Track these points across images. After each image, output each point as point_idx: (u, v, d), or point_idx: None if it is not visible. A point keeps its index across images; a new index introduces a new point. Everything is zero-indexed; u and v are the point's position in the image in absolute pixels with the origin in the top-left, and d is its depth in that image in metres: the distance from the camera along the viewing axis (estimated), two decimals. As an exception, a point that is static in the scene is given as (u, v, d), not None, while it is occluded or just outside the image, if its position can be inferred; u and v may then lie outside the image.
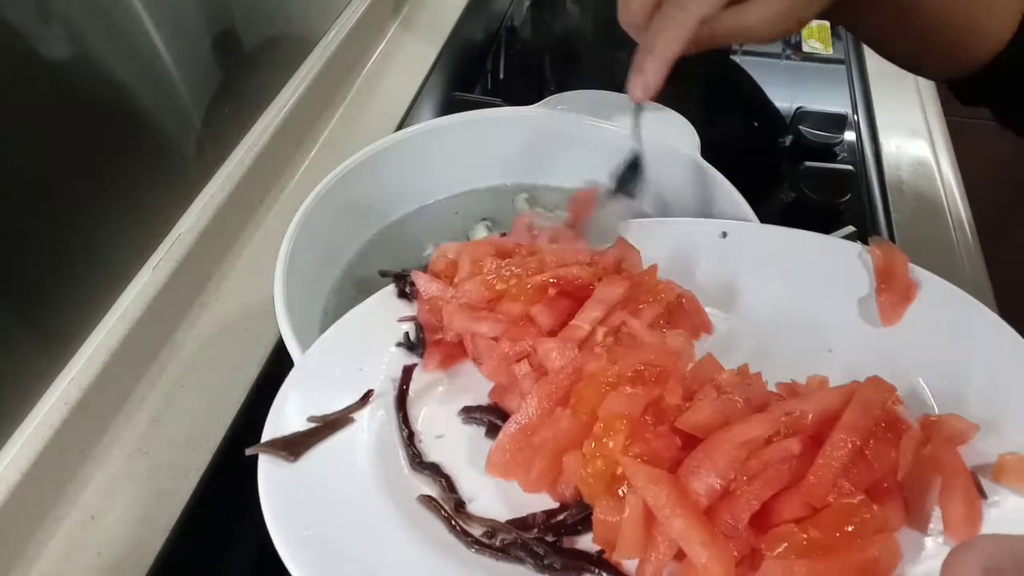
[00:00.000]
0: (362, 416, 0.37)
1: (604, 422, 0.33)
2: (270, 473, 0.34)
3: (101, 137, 0.53)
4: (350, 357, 0.40)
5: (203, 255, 0.60)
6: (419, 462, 0.36)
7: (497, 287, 0.39)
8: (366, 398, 0.38)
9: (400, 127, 0.75)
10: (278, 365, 0.53)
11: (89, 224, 0.52)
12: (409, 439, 0.37)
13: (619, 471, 0.32)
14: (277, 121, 0.68)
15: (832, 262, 0.44)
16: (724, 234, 0.45)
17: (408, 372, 0.39)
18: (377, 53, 0.86)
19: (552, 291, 0.39)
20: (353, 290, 0.51)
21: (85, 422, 0.50)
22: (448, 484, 0.35)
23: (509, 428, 0.35)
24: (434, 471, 0.36)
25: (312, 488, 0.34)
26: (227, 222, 0.63)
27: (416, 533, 0.33)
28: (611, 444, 0.32)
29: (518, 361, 0.37)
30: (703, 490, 0.30)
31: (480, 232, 0.54)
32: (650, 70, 0.42)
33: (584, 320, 0.38)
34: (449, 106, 0.78)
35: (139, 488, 0.50)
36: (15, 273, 0.47)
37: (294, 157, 0.72)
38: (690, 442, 0.33)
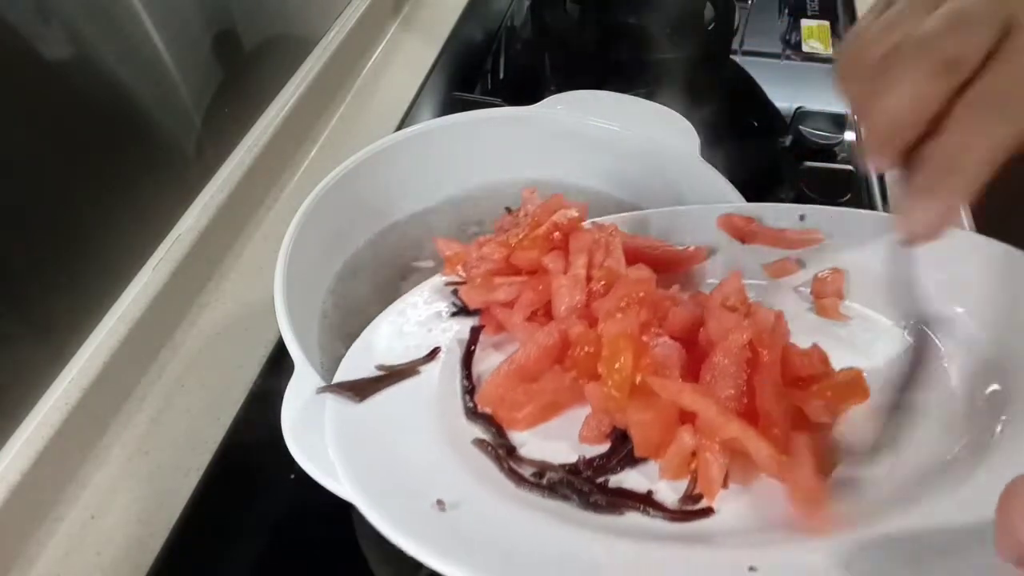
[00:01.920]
0: (426, 369, 0.40)
1: (609, 345, 0.36)
2: (337, 411, 0.37)
3: (101, 137, 0.53)
4: (418, 320, 0.43)
5: (203, 255, 0.60)
6: (474, 412, 0.39)
7: (511, 241, 0.43)
8: (433, 354, 0.41)
9: (400, 127, 0.75)
10: (278, 365, 0.53)
11: (89, 224, 0.52)
12: (469, 392, 0.40)
13: (637, 380, 0.35)
14: (277, 121, 0.68)
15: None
16: (802, 217, 0.45)
17: (476, 333, 0.42)
18: (377, 53, 0.86)
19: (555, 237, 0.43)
20: (353, 290, 0.51)
21: (85, 422, 0.50)
22: (500, 432, 0.38)
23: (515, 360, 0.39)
24: (487, 420, 0.39)
25: (374, 424, 0.37)
26: (227, 222, 0.63)
27: (469, 469, 0.36)
28: (624, 359, 0.35)
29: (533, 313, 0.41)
30: (728, 394, 0.34)
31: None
32: (940, 209, 0.29)
33: (578, 266, 0.41)
34: (449, 106, 0.78)
35: (139, 488, 0.50)
36: (15, 273, 0.47)
37: (294, 157, 0.72)
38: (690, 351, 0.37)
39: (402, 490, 0.34)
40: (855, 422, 0.37)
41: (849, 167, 0.71)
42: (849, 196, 0.68)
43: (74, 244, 0.51)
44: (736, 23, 0.86)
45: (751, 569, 0.30)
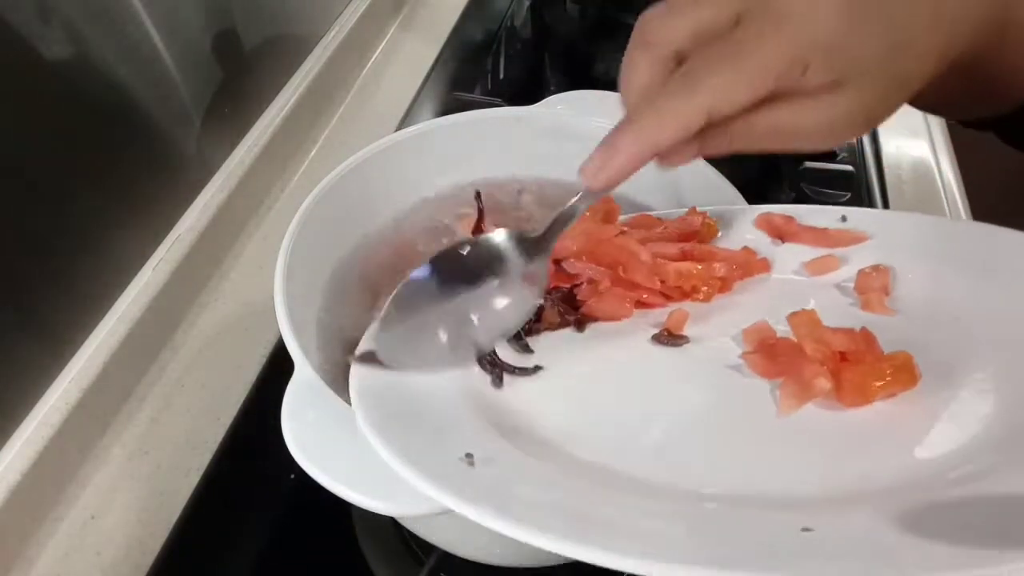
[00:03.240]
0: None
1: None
2: (363, 378, 0.37)
3: (101, 137, 0.53)
4: None
5: (203, 255, 0.60)
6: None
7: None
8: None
9: (400, 127, 0.75)
10: (278, 365, 0.53)
11: (89, 224, 0.52)
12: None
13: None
14: (277, 121, 0.68)
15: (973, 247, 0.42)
16: (844, 218, 0.44)
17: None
18: (377, 53, 0.86)
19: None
20: (351, 289, 0.51)
21: (85, 422, 0.50)
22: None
23: None
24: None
25: (399, 386, 0.37)
26: (227, 222, 0.63)
27: (496, 427, 0.36)
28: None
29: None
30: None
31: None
32: (618, 155, 0.32)
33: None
34: (449, 106, 0.78)
35: (139, 488, 0.50)
36: (15, 273, 0.47)
37: (294, 157, 0.72)
38: None
39: (429, 445, 0.34)
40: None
41: (849, 167, 0.71)
42: (849, 196, 0.68)
43: (74, 244, 0.51)
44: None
45: (804, 529, 0.29)
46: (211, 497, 0.49)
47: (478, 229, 0.49)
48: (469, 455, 0.33)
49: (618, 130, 0.33)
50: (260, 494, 0.50)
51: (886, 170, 0.73)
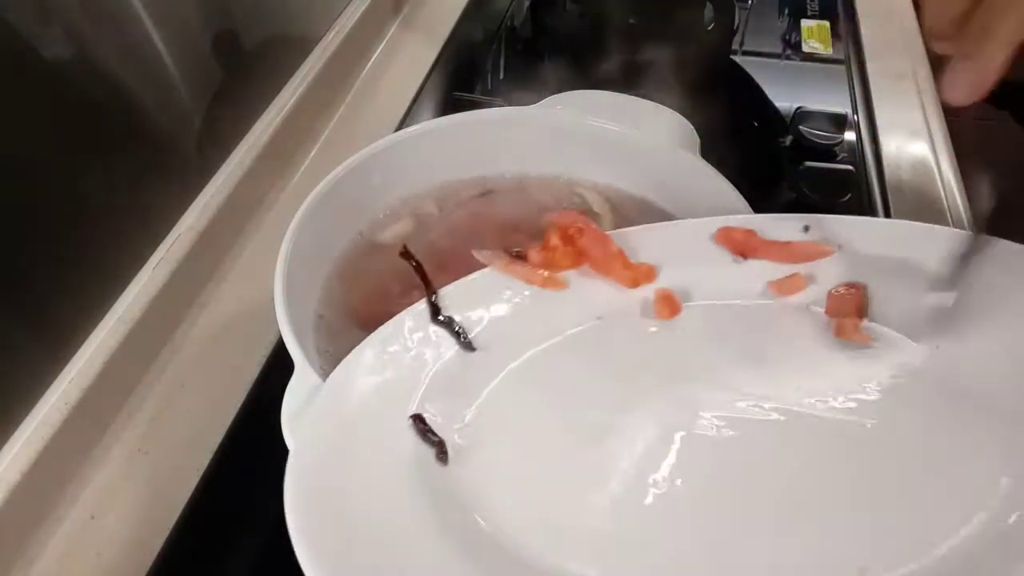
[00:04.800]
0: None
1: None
2: (299, 471, 0.36)
3: (101, 137, 0.53)
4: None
5: (203, 255, 0.60)
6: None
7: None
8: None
9: (400, 127, 0.75)
10: (278, 365, 0.53)
11: (89, 224, 0.52)
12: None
13: None
14: (277, 121, 0.68)
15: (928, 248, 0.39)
16: (806, 228, 0.42)
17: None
18: (377, 53, 0.86)
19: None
20: (351, 289, 0.51)
21: (85, 422, 0.50)
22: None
23: None
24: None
25: (340, 490, 0.35)
26: (227, 222, 0.63)
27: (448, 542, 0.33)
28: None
29: None
30: None
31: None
32: (983, 67, 0.34)
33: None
34: (449, 106, 0.78)
35: (139, 488, 0.50)
36: (15, 273, 0.47)
37: (294, 157, 0.72)
38: None
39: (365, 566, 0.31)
40: None
41: (849, 167, 0.71)
42: (849, 196, 0.68)
43: (74, 244, 0.51)
44: (736, 23, 0.86)
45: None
46: (211, 497, 0.49)
47: (424, 283, 0.46)
48: None
49: (974, 43, 0.35)
50: (260, 494, 0.50)
51: (886, 170, 0.73)
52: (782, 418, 0.37)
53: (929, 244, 0.39)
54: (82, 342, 0.51)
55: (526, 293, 0.42)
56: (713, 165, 0.52)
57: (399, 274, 0.50)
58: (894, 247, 0.40)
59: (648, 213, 0.54)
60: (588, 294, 0.42)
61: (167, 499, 0.49)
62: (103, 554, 0.47)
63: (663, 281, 0.42)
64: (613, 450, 0.36)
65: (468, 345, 0.40)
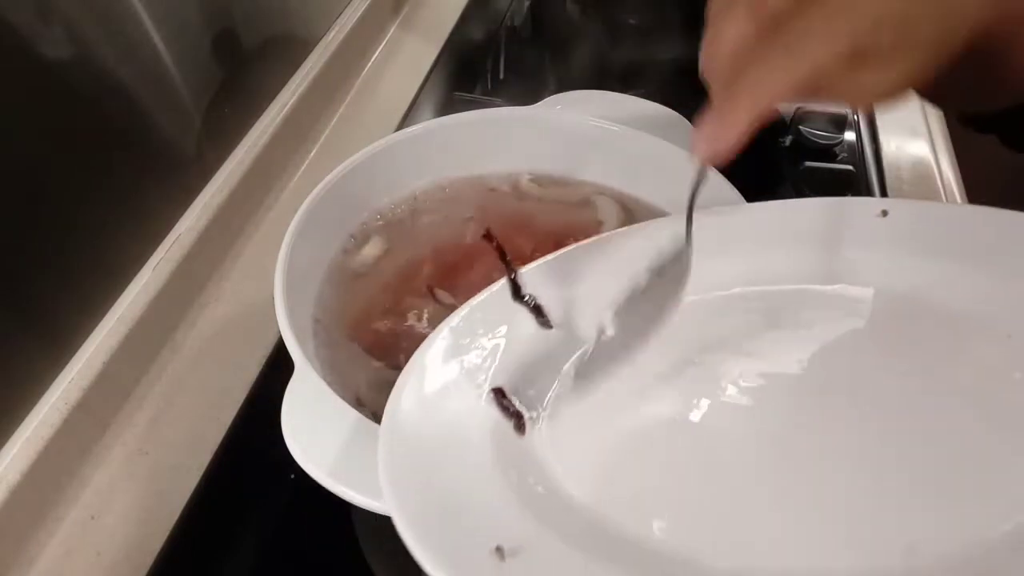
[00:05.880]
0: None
1: None
2: (391, 435, 0.35)
3: (101, 137, 0.53)
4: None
5: (203, 255, 0.60)
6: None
7: None
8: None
9: (400, 127, 0.75)
10: (278, 365, 0.53)
11: (89, 224, 0.52)
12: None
13: None
14: (277, 121, 0.68)
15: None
16: (884, 212, 0.42)
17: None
18: (377, 53, 0.86)
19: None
20: (351, 289, 0.51)
21: (85, 422, 0.50)
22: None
23: None
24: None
25: (430, 454, 0.36)
26: (227, 222, 0.63)
27: (531, 511, 0.34)
28: None
29: None
30: None
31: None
32: (727, 126, 0.33)
33: None
34: (449, 106, 0.78)
35: (139, 488, 0.50)
36: (15, 273, 0.47)
37: (294, 157, 0.72)
38: None
39: (461, 536, 0.32)
40: None
41: (849, 167, 0.71)
42: (849, 196, 0.68)
43: (74, 244, 0.51)
44: (736, 23, 0.85)
45: None
46: (211, 497, 0.49)
47: (505, 263, 0.49)
48: (499, 548, 0.31)
49: (717, 110, 0.34)
50: (260, 494, 0.50)
51: (886, 170, 0.73)
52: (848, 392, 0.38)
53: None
54: (82, 342, 0.51)
55: (600, 272, 0.43)
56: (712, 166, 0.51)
57: (389, 281, 0.50)
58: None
59: (648, 212, 0.54)
60: None
61: (167, 499, 0.49)
62: (103, 554, 0.47)
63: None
64: (684, 420, 0.38)
65: (546, 323, 0.42)
